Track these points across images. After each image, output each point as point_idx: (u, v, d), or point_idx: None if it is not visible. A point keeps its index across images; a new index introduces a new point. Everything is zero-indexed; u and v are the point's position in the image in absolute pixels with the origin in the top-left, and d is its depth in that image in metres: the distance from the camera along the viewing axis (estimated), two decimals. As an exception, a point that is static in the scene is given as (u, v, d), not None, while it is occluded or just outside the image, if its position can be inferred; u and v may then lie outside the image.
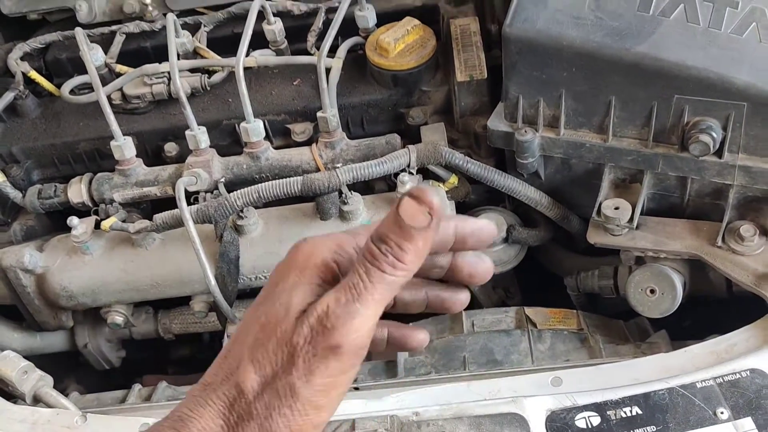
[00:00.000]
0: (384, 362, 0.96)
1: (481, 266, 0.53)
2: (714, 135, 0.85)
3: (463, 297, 0.55)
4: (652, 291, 0.91)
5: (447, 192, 1.04)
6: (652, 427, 0.73)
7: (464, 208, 1.10)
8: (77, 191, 1.06)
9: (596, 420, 0.74)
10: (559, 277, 1.15)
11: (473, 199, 1.10)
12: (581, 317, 0.99)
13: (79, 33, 1.09)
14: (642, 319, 1.02)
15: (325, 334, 0.44)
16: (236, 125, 1.08)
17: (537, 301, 1.07)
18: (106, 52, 1.15)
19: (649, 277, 0.91)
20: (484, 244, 0.52)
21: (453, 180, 1.05)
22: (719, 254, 0.89)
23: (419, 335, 0.56)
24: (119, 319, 1.07)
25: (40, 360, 0.99)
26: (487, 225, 0.52)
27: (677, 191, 0.95)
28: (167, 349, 1.35)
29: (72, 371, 1.23)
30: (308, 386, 0.44)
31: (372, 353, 0.55)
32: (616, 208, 0.93)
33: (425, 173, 1.04)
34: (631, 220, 0.92)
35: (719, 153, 0.87)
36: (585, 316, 1.00)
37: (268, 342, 0.45)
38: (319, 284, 0.46)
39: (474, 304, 1.14)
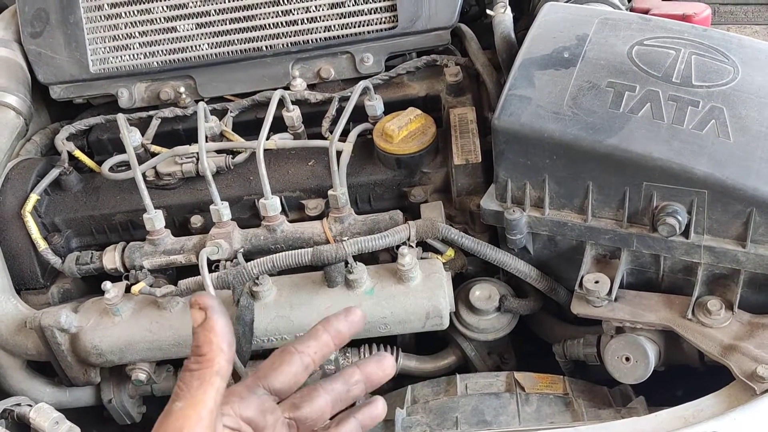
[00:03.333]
0: (383, 421, 1.04)
1: (379, 370, 0.72)
2: (680, 218, 0.95)
3: (379, 403, 0.73)
4: (627, 359, 0.99)
5: (444, 264, 1.14)
6: (621, 483, 0.80)
7: (461, 279, 1.20)
8: (111, 258, 1.18)
9: (571, 476, 0.81)
10: (550, 344, 1.23)
11: (470, 270, 1.20)
12: (567, 382, 1.07)
13: (121, 119, 1.23)
14: (626, 386, 1.08)
15: None
16: (255, 201, 1.20)
17: (533, 365, 1.15)
18: (143, 134, 1.28)
19: (624, 345, 0.99)
20: (357, 328, 0.72)
21: (450, 253, 1.15)
22: (690, 326, 0.97)
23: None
24: (142, 376, 1.17)
25: (68, 414, 1.08)
26: (353, 310, 0.73)
27: (652, 267, 1.04)
28: (184, 407, 1.43)
29: (96, 425, 1.31)
30: None
31: None
32: (597, 282, 1.02)
33: (424, 246, 1.15)
34: (609, 293, 1.01)
35: (686, 234, 0.97)
36: (571, 381, 1.08)
37: None
38: None
39: (471, 370, 1.23)
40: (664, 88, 0.99)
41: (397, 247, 1.10)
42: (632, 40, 1.05)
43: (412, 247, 1.10)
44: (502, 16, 1.25)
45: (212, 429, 0.55)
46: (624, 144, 0.95)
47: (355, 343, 1.19)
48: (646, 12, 1.21)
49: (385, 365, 0.71)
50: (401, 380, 1.24)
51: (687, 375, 1.10)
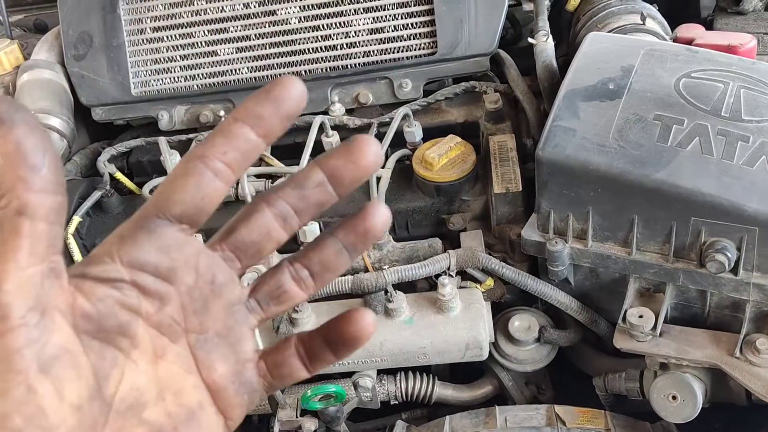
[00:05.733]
0: (422, 453, 1.04)
1: (348, 160, 0.42)
2: (729, 255, 0.94)
3: (374, 210, 0.44)
4: (674, 397, 0.98)
5: (483, 293, 1.13)
6: None
7: (498, 307, 1.19)
8: (151, 281, 1.19)
9: None
10: (588, 375, 1.21)
11: (508, 299, 1.19)
12: (609, 417, 1.05)
13: (162, 142, 1.24)
14: (668, 422, 1.07)
15: None
16: (294, 226, 1.20)
17: (569, 397, 1.13)
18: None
19: (671, 383, 0.98)
20: (291, 106, 0.41)
21: (489, 282, 1.14)
22: (737, 365, 0.96)
23: (361, 318, 0.44)
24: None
25: None
26: (284, 79, 0.41)
27: (698, 302, 1.03)
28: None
29: None
30: None
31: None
32: (641, 316, 1.01)
33: (464, 275, 1.14)
34: (654, 328, 1.00)
35: (734, 271, 0.95)
36: (612, 416, 1.06)
37: None
38: None
39: (507, 400, 1.21)
40: (713, 122, 0.98)
41: (437, 275, 1.10)
42: (679, 72, 1.04)
43: (452, 276, 1.10)
44: (544, 45, 1.25)
45: (28, 295, 0.34)
46: (672, 179, 0.94)
47: (392, 371, 1.19)
48: (690, 42, 1.20)
49: (355, 152, 0.42)
50: (437, 409, 1.24)
51: (724, 408, 1.08)
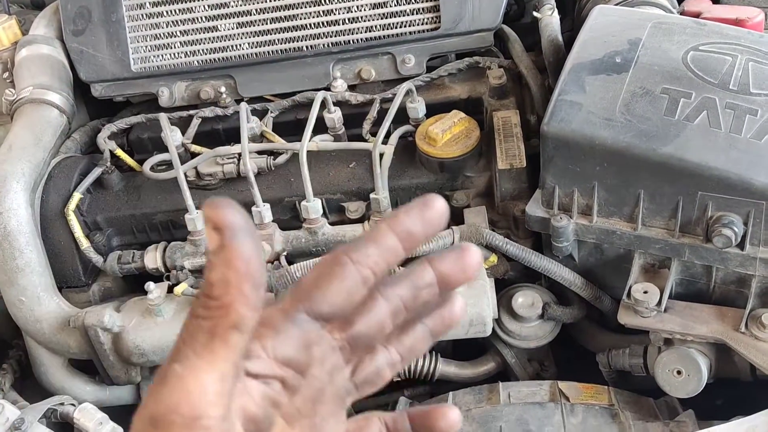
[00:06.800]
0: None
1: (459, 268, 0.45)
2: (736, 229, 0.93)
3: (457, 303, 0.48)
4: (679, 372, 0.97)
5: (487, 269, 1.13)
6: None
7: (501, 284, 1.18)
8: (152, 258, 1.18)
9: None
10: (591, 352, 1.21)
11: (512, 275, 1.18)
12: (612, 393, 1.05)
13: (163, 118, 1.23)
14: (672, 398, 1.07)
15: (140, 410, 0.37)
16: (297, 202, 1.19)
17: (571, 374, 1.13)
18: (183, 134, 1.28)
19: (676, 359, 0.97)
20: (437, 221, 0.44)
21: (493, 259, 1.13)
22: (742, 340, 0.95)
23: (450, 415, 0.48)
24: (182, 377, 1.17)
25: (107, 412, 1.09)
26: (432, 202, 0.44)
27: (703, 278, 1.02)
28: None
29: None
30: None
31: None
32: (645, 292, 1.00)
33: (467, 252, 1.13)
34: (659, 303, 0.99)
35: (741, 246, 0.95)
36: (616, 392, 1.06)
37: None
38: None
39: (510, 377, 1.21)
40: (721, 96, 0.96)
41: (441, 252, 1.09)
42: (687, 45, 1.03)
43: (456, 252, 1.09)
44: (549, 19, 1.23)
45: (224, 404, 0.37)
46: (679, 153, 0.93)
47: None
48: (697, 15, 1.18)
49: (466, 262, 0.45)
50: (440, 386, 1.23)
51: (726, 384, 1.07)
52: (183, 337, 0.37)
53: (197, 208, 1.17)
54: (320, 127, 1.25)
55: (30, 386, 1.24)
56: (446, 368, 1.20)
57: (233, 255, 0.36)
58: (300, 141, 1.16)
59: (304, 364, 0.43)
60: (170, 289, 1.13)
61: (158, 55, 1.35)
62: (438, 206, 0.44)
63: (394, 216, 0.44)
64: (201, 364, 0.36)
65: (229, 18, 1.33)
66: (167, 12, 1.34)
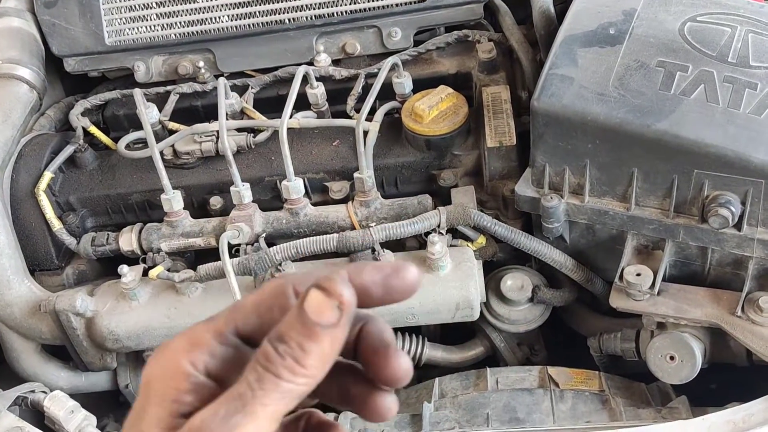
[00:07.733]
0: (410, 415, 1.00)
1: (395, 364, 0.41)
2: (733, 209, 0.89)
3: (390, 402, 0.43)
4: (672, 358, 0.94)
5: (475, 251, 1.09)
6: (668, 493, 0.75)
7: (490, 266, 1.14)
8: (128, 240, 1.14)
9: (614, 484, 0.77)
10: (583, 336, 1.18)
11: (501, 257, 1.14)
12: (603, 378, 1.02)
13: (138, 94, 1.18)
14: (664, 383, 1.04)
15: None
16: (278, 182, 1.15)
17: (562, 358, 1.10)
18: (160, 110, 1.23)
19: (669, 343, 0.94)
20: (402, 295, 0.40)
21: (481, 240, 1.09)
22: (738, 324, 0.92)
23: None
24: (160, 362, 1.13)
25: (83, 398, 1.05)
26: (404, 272, 0.40)
27: (698, 260, 0.99)
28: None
29: (112, 410, 1.28)
30: None
31: None
32: (638, 275, 0.96)
33: (454, 233, 1.09)
34: (652, 286, 0.96)
35: (738, 226, 0.91)
36: (607, 377, 1.03)
37: None
38: (182, 410, 0.39)
39: (499, 362, 1.18)
40: (719, 69, 0.92)
41: (426, 233, 1.05)
42: (684, 16, 0.98)
43: (442, 234, 1.05)
44: (541, -11, 1.18)
45: None
46: (675, 129, 0.89)
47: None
48: (695, -14, 1.13)
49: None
50: (427, 371, 1.20)
51: (720, 368, 1.04)
52: (248, 379, 0.37)
53: (174, 187, 1.12)
54: (303, 104, 1.21)
55: (2, 372, 1.20)
56: (433, 353, 1.17)
57: (339, 339, 0.37)
58: (280, 118, 1.11)
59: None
60: (145, 272, 1.09)
61: (133, 28, 1.29)
62: (408, 278, 0.40)
63: (360, 267, 0.40)
64: (260, 426, 0.37)
65: (208, -11, 1.27)
66: (142, -18, 1.28)
